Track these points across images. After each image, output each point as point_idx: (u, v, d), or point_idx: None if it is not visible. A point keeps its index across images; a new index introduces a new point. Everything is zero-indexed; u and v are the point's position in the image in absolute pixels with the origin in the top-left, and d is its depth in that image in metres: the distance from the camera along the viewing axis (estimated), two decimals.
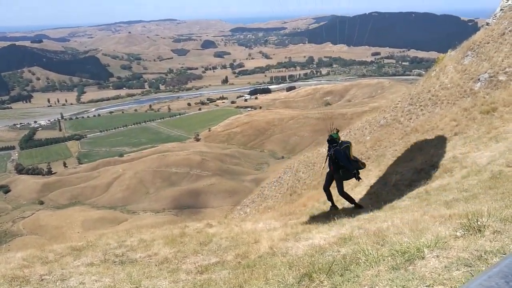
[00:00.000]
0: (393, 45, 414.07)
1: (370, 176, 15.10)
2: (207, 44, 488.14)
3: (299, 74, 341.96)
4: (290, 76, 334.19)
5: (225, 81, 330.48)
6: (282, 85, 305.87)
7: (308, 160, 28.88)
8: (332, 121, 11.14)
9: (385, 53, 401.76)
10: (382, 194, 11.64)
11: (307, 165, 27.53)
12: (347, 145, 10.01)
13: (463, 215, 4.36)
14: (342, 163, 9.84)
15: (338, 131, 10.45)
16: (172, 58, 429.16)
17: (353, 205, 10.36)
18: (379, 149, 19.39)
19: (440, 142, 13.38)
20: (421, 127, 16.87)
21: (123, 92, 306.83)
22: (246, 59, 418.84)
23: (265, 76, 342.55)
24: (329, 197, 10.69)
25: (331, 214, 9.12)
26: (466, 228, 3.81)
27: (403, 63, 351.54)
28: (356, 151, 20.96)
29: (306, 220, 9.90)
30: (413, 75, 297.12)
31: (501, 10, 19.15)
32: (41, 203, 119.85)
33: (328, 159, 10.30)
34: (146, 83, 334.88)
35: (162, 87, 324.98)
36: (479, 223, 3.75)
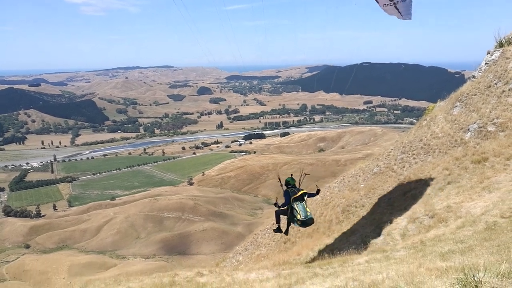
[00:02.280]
0: (385, 94, 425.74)
1: (365, 224, 14.95)
2: (203, 91, 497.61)
3: (293, 121, 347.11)
4: (284, 123, 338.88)
5: (220, 126, 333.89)
6: (276, 131, 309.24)
7: None
8: (303, 169, 13.03)
9: (377, 101, 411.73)
10: (376, 243, 11.48)
11: None
12: (301, 190, 11.60)
13: (459, 269, 4.29)
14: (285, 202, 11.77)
15: (292, 175, 12.52)
16: (168, 103, 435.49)
17: (276, 225, 12.29)
18: (373, 197, 19.34)
19: (433, 191, 13.42)
20: (414, 175, 16.96)
21: (118, 135, 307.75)
22: (241, 105, 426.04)
23: (260, 122, 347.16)
24: (278, 220, 12.41)
25: (326, 264, 8.92)
26: (463, 283, 3.72)
27: (395, 111, 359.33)
28: (350, 199, 20.88)
29: (300, 270, 9.66)
30: (405, 123, 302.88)
31: (486, 64, 19.95)
32: (27, 246, 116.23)
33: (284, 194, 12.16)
34: (142, 127, 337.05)
35: (157, 131, 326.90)
36: (476, 278, 3.67)
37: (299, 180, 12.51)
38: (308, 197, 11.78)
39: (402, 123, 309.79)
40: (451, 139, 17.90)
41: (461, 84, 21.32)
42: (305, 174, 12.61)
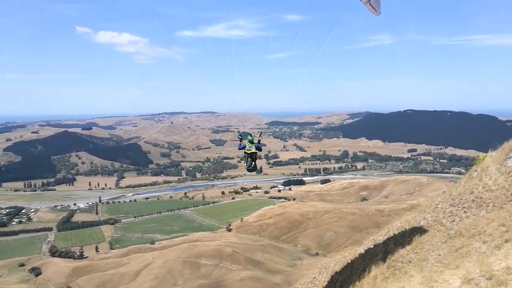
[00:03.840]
0: (429, 142, 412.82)
1: (412, 282, 13.99)
2: (244, 136, 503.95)
3: (334, 168, 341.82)
4: (325, 169, 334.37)
5: (260, 171, 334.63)
6: (316, 177, 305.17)
7: (345, 260, 27.40)
8: (260, 131, 22.88)
9: (422, 149, 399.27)
10: None
11: (344, 266, 26.04)
12: (252, 150, 20.20)
13: None
14: (260, 150, 20.39)
15: (250, 134, 20.47)
16: (210, 147, 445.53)
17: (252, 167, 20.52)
18: (420, 252, 18.22)
19: (489, 249, 12.46)
20: (466, 231, 15.91)
21: (160, 178, 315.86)
22: (281, 150, 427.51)
23: (299, 167, 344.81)
24: (253, 167, 20.62)
25: None
26: None
27: (441, 160, 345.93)
28: (396, 253, 19.79)
29: None
30: (452, 173, 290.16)
31: None
32: None
33: (248, 149, 20.30)
34: (184, 170, 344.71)
35: (198, 175, 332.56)
36: None
37: (258, 140, 20.67)
38: (256, 149, 20.35)
39: (449, 173, 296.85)
40: (507, 193, 16.81)
41: None
42: (261, 133, 21.95)
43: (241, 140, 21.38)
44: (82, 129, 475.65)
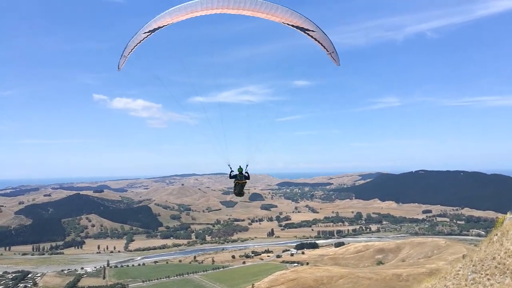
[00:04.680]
0: (445, 203, 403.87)
1: None
2: (255, 197, 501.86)
3: (348, 230, 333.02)
4: (338, 231, 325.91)
5: (271, 233, 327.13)
6: (330, 240, 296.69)
7: None
8: (247, 163, 26.47)
9: (437, 210, 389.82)
10: None
11: None
12: (243, 180, 26.13)
13: None
14: (248, 179, 26.16)
15: (240, 166, 25.93)
16: (221, 209, 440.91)
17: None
18: None
19: None
20: None
21: (170, 242, 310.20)
22: (293, 212, 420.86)
23: (312, 230, 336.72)
24: (242, 193, 26.38)
25: None
26: None
27: (458, 221, 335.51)
28: None
29: None
30: (471, 235, 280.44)
31: None
32: None
33: (239, 179, 26.08)
34: (194, 233, 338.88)
35: (208, 238, 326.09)
36: None
37: (245, 171, 26.08)
38: (245, 179, 26.07)
39: (467, 235, 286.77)
40: None
41: None
42: (247, 165, 26.27)
43: (231, 171, 26.23)
44: (93, 192, 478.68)
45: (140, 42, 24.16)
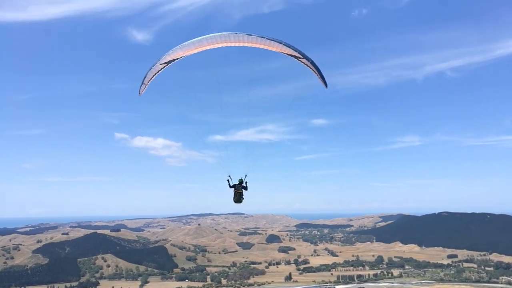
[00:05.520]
0: (471, 247, 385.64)
1: None
2: (272, 239, 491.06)
3: (369, 275, 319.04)
4: (359, 276, 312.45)
5: (289, 278, 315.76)
6: (350, 285, 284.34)
7: None
8: (246, 174, 31.06)
9: (463, 255, 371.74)
10: None
11: None
12: (241, 190, 30.76)
13: None
14: (246, 189, 31.14)
15: (241, 177, 30.75)
16: (237, 251, 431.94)
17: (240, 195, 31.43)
18: None
19: None
20: None
21: (184, 284, 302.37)
22: (311, 255, 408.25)
23: (332, 274, 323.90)
24: (240, 201, 30.86)
25: None
26: None
27: (487, 268, 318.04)
28: None
29: None
30: (501, 283, 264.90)
31: None
32: None
33: (237, 188, 30.92)
34: (209, 276, 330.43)
35: (224, 281, 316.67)
36: None
37: (244, 181, 30.02)
38: (244, 189, 30.16)
39: (497, 282, 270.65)
40: None
41: None
42: (246, 175, 30.34)
43: (230, 180, 30.05)
44: (110, 231, 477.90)
45: (158, 72, 28.57)
